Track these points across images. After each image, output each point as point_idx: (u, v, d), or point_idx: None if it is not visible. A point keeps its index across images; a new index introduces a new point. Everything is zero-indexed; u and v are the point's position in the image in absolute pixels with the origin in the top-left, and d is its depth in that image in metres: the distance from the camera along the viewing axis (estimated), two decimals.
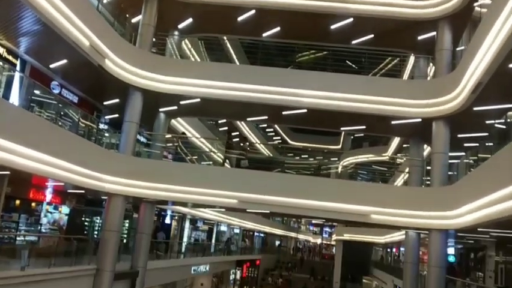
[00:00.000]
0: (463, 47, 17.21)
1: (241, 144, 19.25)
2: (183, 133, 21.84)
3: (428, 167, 16.81)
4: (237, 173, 17.90)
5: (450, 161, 16.21)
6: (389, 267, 35.79)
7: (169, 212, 27.11)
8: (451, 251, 24.82)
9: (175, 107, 17.95)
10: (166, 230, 26.08)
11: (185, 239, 30.72)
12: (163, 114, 18.66)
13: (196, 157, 22.78)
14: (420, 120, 15.83)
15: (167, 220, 27.58)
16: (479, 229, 13.19)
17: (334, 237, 50.98)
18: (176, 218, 29.56)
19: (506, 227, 11.95)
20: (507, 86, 11.55)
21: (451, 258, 24.43)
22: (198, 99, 16.73)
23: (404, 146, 27.89)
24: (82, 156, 13.92)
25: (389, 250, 46.63)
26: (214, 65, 17.72)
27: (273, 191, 15.53)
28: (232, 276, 40.20)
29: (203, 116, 24.33)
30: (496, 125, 14.22)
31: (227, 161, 18.95)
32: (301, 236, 71.51)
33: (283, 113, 17.01)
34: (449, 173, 16.38)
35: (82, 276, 14.35)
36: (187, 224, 31.73)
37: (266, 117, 19.02)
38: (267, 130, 45.30)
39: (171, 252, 23.87)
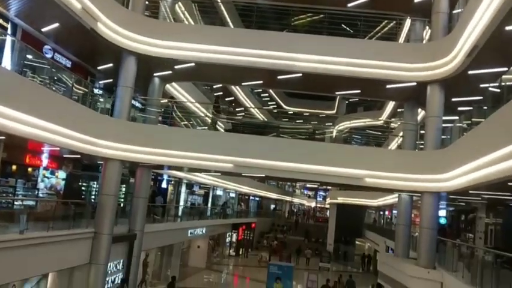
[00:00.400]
0: (459, 10, 17.02)
1: (227, 108, 19.17)
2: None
3: (422, 131, 16.95)
4: (232, 137, 17.98)
5: (444, 125, 16.32)
6: (382, 229, 36.53)
7: (165, 177, 27.34)
8: (442, 213, 25.35)
9: (170, 72, 17.83)
10: (163, 194, 26.37)
11: (181, 203, 31.12)
12: (158, 79, 18.54)
13: (191, 122, 22.79)
14: (415, 84, 15.84)
15: (164, 185, 27.84)
16: (470, 191, 13.44)
17: (328, 200, 51.78)
18: (172, 182, 29.84)
19: (496, 189, 12.19)
20: (502, 49, 11.54)
21: (443, 220, 24.97)
22: (193, 64, 16.61)
23: (399, 110, 28.00)
24: (77, 121, 13.91)
25: (381, 213, 47.55)
26: (209, 28, 17.48)
27: (268, 155, 15.68)
28: (228, 239, 40.96)
29: (198, 80, 24.18)
30: (490, 89, 14.25)
31: (218, 123, 18.93)
32: (296, 200, 72.52)
33: (278, 77, 16.95)
34: (443, 137, 16.52)
35: (80, 239, 14.60)
36: (183, 189, 32.07)
37: (261, 81, 18.96)
38: (262, 95, 45.20)
39: (168, 216, 24.25)
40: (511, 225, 16.48)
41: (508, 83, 12.69)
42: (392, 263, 16.82)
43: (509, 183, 9.96)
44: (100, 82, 18.91)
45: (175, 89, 23.47)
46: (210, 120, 18.51)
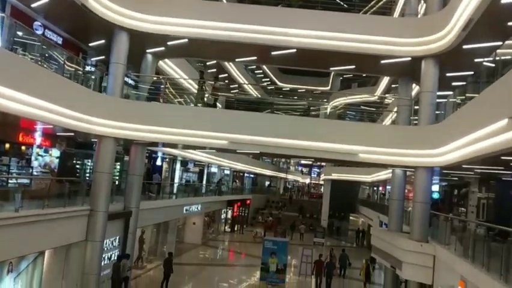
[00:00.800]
0: None
1: (215, 84, 18.97)
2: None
3: (416, 107, 16.96)
4: (227, 114, 17.93)
5: (438, 100, 16.34)
6: (375, 204, 36.91)
7: (160, 154, 27.33)
8: (435, 188, 25.60)
9: (163, 48, 17.63)
10: (158, 172, 26.41)
11: (176, 180, 31.20)
12: (151, 56, 18.35)
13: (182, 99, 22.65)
14: (409, 59, 15.77)
15: (159, 162, 27.85)
16: (463, 166, 13.55)
17: (322, 176, 52.14)
18: (167, 160, 29.85)
19: (489, 163, 12.29)
20: (497, 23, 11.48)
21: (436, 195, 25.23)
22: (186, 40, 16.42)
23: (393, 86, 27.96)
24: (70, 98, 13.78)
25: (375, 188, 47.95)
26: (202, 3, 17.14)
27: (263, 132, 15.67)
28: (223, 216, 41.28)
29: (191, 57, 23.96)
30: (485, 64, 14.23)
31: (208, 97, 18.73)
32: (290, 176, 72.92)
33: (273, 53, 16.80)
34: (437, 112, 16.56)
35: (76, 216, 14.65)
36: (178, 166, 32.11)
37: (255, 57, 18.78)
38: (256, 72, 44.92)
39: (163, 193, 24.34)
40: (502, 199, 16.67)
41: (502, 58, 12.66)
42: (385, 237, 17.03)
43: (501, 157, 10.04)
44: (92, 59, 18.68)
45: (168, 66, 23.26)
46: (200, 97, 18.36)
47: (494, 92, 9.99)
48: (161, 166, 28.51)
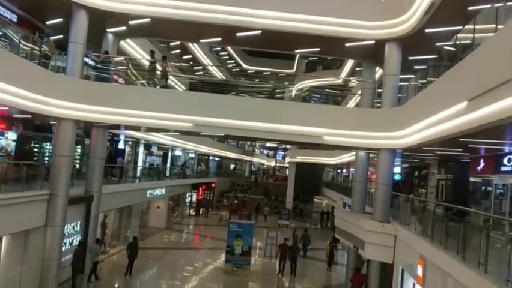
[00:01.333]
0: None
1: (165, 65, 18.57)
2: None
3: (380, 90, 17.17)
4: (191, 96, 17.62)
5: (401, 84, 16.58)
6: (339, 186, 37.51)
7: (122, 137, 26.77)
8: (397, 170, 26.19)
9: (124, 28, 17.10)
10: (121, 155, 25.90)
11: (140, 163, 30.71)
12: (111, 35, 17.79)
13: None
14: (373, 42, 15.90)
15: (121, 145, 27.30)
16: (424, 148, 13.86)
17: (287, 159, 52.51)
18: (130, 143, 29.28)
19: (448, 145, 12.60)
20: (458, 7, 11.66)
21: (397, 177, 25.82)
22: (148, 19, 15.97)
23: (357, 69, 28.23)
24: (26, 78, 13.20)
25: (339, 171, 48.73)
26: None
27: (227, 114, 15.54)
28: (188, 199, 41.06)
29: (154, 37, 23.41)
30: (446, 47, 14.49)
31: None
32: (255, 159, 73.13)
33: (237, 34, 16.59)
34: (400, 95, 16.82)
35: (35, 201, 14.20)
36: (141, 149, 31.58)
37: (219, 39, 18.51)
38: (221, 53, 44.45)
39: (126, 177, 23.90)
40: (460, 180, 17.21)
41: (462, 42, 12.91)
42: (348, 219, 17.33)
43: (460, 139, 10.30)
44: (50, 38, 17.92)
45: (130, 46, 22.66)
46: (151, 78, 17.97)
47: (454, 75, 10.20)
48: (124, 149, 27.96)
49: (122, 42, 20.30)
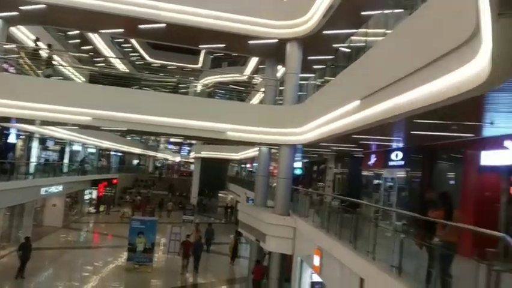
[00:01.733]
0: None
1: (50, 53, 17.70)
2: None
3: (282, 87, 17.74)
4: (90, 88, 16.82)
5: (302, 82, 17.26)
6: (243, 181, 38.10)
7: (13, 131, 24.83)
8: (298, 164, 27.27)
9: (15, 13, 15.84)
10: (11, 150, 24.02)
11: (33, 159, 28.71)
12: (0, 20, 16.38)
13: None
14: (276, 40, 16.36)
15: (12, 139, 25.30)
16: (321, 144, 14.61)
17: (192, 154, 52.22)
18: (22, 137, 27.26)
19: (343, 141, 13.42)
20: (353, 12, 12.41)
21: (298, 171, 26.88)
22: (43, 5, 14.94)
23: (261, 66, 28.84)
24: None
25: (243, 166, 49.53)
26: None
27: (130, 108, 15.05)
28: (87, 196, 39.24)
29: (50, 25, 21.94)
30: (342, 49, 15.36)
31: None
32: (160, 155, 71.79)
33: (140, 26, 16.14)
34: (301, 93, 17.49)
35: None
36: (35, 144, 29.55)
37: (122, 30, 17.88)
38: (124, 45, 42.91)
39: (17, 173, 22.21)
40: (354, 174, 18.38)
41: (356, 44, 13.76)
42: (251, 212, 17.72)
43: (352, 136, 11.01)
44: None
45: (23, 33, 21.08)
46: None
47: (348, 75, 10.87)
48: (15, 144, 25.95)
49: (13, 29, 18.80)
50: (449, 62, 5.59)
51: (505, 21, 3.41)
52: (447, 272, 6.47)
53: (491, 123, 8.03)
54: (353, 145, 14.64)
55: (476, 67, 4.96)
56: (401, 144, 13.92)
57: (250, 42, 16.58)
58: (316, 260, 12.01)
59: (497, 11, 3.27)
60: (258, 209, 17.59)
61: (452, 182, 12.17)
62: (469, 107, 6.78)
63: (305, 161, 27.29)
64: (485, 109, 7.23)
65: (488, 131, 9.14)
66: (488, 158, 10.04)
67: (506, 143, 9.28)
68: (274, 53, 17.73)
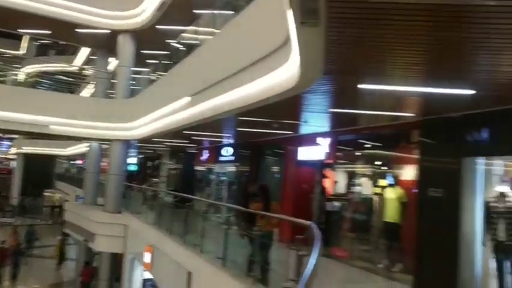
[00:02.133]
0: None
1: None
2: None
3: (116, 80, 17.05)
4: None
5: (137, 76, 16.83)
6: (73, 178, 35.84)
7: None
8: (132, 160, 26.57)
9: None
10: None
11: None
12: None
13: None
14: (108, 31, 15.64)
15: None
16: (155, 139, 14.47)
17: (13, 150, 47.17)
18: None
19: (176, 137, 13.50)
20: (185, 9, 12.48)
21: (133, 167, 26.23)
22: None
23: (93, 57, 27.33)
24: None
25: (73, 162, 46.51)
26: None
27: None
28: None
29: None
30: (176, 44, 15.37)
31: None
32: None
33: None
34: (136, 87, 17.05)
35: None
36: None
37: None
38: None
39: None
40: (188, 170, 18.65)
41: (189, 42, 13.89)
42: (79, 211, 16.74)
43: (184, 132, 11.15)
44: None
45: None
46: None
47: (179, 72, 10.96)
48: None
49: None
50: (268, 64, 6.01)
51: (307, 30, 3.77)
52: (266, 259, 6.97)
53: (306, 122, 8.91)
54: (186, 141, 14.82)
55: (288, 70, 5.42)
56: (231, 141, 14.55)
57: (79, 30, 15.55)
58: (147, 257, 11.85)
59: (300, 19, 3.59)
60: (87, 208, 16.69)
61: (276, 175, 13.17)
62: (285, 107, 7.41)
63: (140, 156, 26.72)
64: (300, 109, 7.99)
65: (304, 129, 10.12)
66: (304, 153, 11.12)
67: (319, 140, 10.38)
68: (106, 44, 16.94)
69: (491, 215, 6.72)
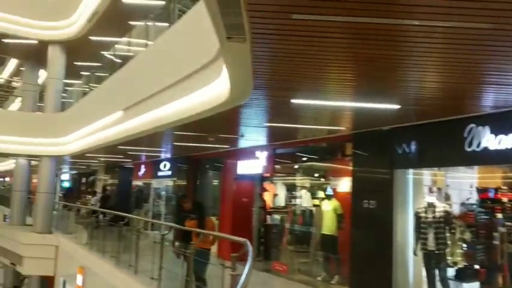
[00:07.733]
0: None
1: None
2: None
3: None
4: None
5: (69, 88, 16.14)
6: (1, 197, 33.71)
7: None
8: (66, 177, 25.41)
9: None
10: None
11: None
12: None
13: None
14: (36, 42, 14.89)
15: None
16: (88, 154, 13.87)
17: None
18: None
19: (110, 152, 13.01)
20: (118, 20, 12.14)
21: (66, 184, 25.09)
22: None
23: (22, 69, 25.99)
24: None
25: (1, 179, 43.94)
26: None
27: None
28: None
29: None
30: (109, 56, 14.93)
31: None
32: None
33: None
34: (68, 100, 16.35)
35: None
36: None
37: None
38: None
39: None
40: (124, 185, 18.04)
41: (122, 53, 13.53)
42: (5, 233, 15.64)
43: (118, 147, 10.76)
44: None
45: None
46: None
47: (112, 84, 10.59)
48: None
49: None
50: (201, 78, 5.89)
51: (233, 45, 3.68)
52: (202, 278, 6.78)
53: (242, 135, 8.84)
54: (122, 156, 14.32)
55: (220, 85, 5.33)
56: (168, 155, 14.23)
57: (5, 41, 14.69)
58: (79, 280, 11.24)
59: (225, 35, 3.50)
60: (14, 229, 15.62)
61: (215, 190, 12.99)
62: (221, 121, 7.29)
63: (73, 172, 25.59)
64: (236, 123, 7.91)
65: (241, 143, 10.05)
66: (243, 167, 11.03)
67: (257, 153, 10.35)
68: (35, 55, 16.13)
69: (420, 225, 6.90)
